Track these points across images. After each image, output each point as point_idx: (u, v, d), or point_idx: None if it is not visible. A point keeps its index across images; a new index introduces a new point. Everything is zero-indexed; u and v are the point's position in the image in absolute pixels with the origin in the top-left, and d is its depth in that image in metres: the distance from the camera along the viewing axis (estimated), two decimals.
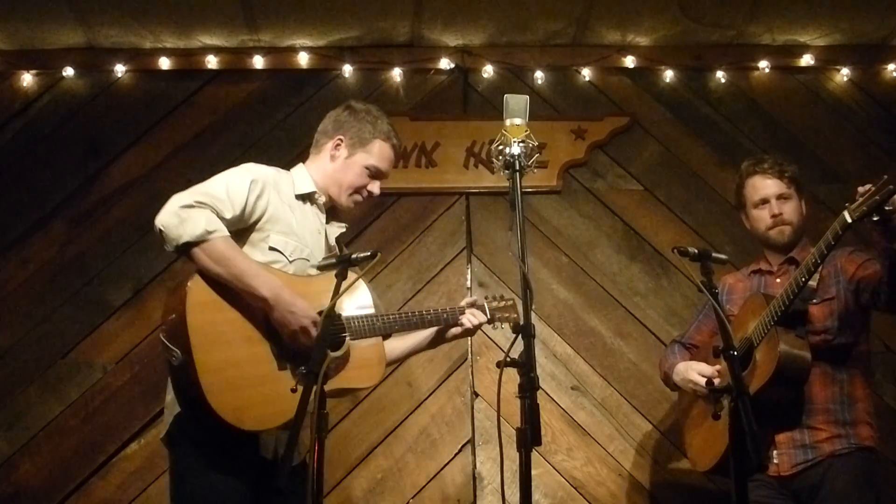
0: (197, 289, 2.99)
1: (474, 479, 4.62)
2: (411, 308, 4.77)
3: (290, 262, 3.21)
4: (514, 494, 2.34)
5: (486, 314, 3.53)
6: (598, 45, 5.15)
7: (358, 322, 3.21)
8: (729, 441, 2.65)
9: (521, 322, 2.51)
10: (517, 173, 2.68)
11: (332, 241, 3.45)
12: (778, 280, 3.76)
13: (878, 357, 4.52)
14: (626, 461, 4.67)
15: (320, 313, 3.06)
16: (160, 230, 2.99)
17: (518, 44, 5.15)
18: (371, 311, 3.30)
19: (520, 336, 2.47)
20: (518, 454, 2.36)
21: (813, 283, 3.45)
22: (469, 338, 4.68)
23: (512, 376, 2.45)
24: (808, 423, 3.52)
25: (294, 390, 2.66)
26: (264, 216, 3.19)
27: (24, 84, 5.05)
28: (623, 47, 5.16)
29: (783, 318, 3.44)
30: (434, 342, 3.56)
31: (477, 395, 4.73)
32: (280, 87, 5.11)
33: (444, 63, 5.13)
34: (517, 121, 2.73)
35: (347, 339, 3.16)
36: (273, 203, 3.22)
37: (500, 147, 2.72)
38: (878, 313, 3.65)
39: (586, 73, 5.15)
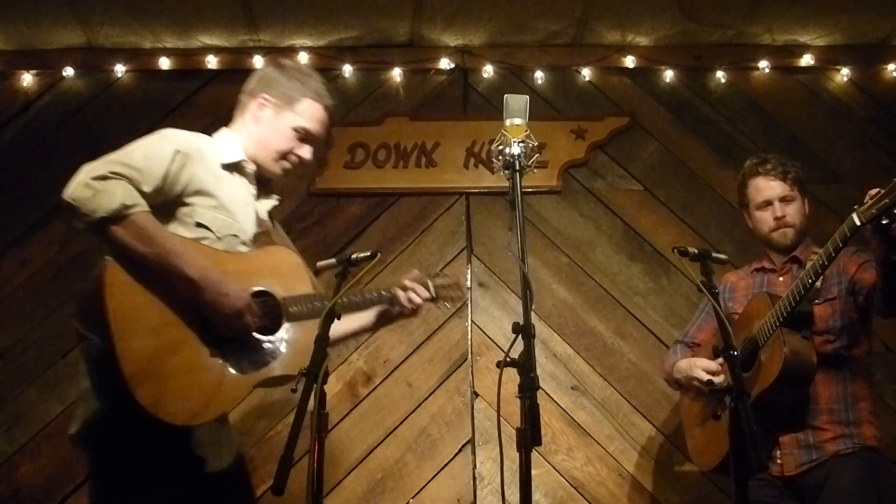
0: (114, 269, 2.69)
1: (474, 479, 4.62)
2: None
3: (219, 238, 2.95)
4: (514, 494, 2.33)
5: (430, 292, 3.35)
6: (598, 45, 5.16)
7: (295, 302, 2.99)
8: (729, 441, 2.65)
9: (522, 322, 2.50)
10: (517, 173, 2.67)
11: (264, 215, 3.19)
12: (781, 279, 3.76)
13: (878, 357, 4.51)
14: (626, 461, 4.67)
15: (258, 294, 2.91)
16: (70, 203, 2.69)
17: (518, 44, 5.15)
18: (308, 290, 3.08)
19: (520, 336, 2.47)
20: (518, 454, 2.36)
21: (817, 283, 3.45)
22: (466, 342, 4.69)
23: (512, 376, 2.44)
24: (813, 424, 3.52)
25: (294, 390, 2.61)
26: (188, 189, 2.91)
27: (25, 84, 5.05)
28: (623, 47, 5.16)
29: (789, 318, 3.44)
30: (378, 323, 3.37)
31: (477, 395, 4.73)
32: None
33: (444, 63, 5.13)
34: (517, 121, 2.72)
35: (284, 322, 2.95)
36: (199, 175, 2.93)
37: (500, 147, 2.71)
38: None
39: (586, 73, 5.15)
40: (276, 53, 5.07)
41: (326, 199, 4.98)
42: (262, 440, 4.64)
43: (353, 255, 2.89)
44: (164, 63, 5.05)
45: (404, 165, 5.00)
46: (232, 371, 2.82)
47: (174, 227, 2.87)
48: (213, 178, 2.97)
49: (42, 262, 4.82)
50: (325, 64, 5.11)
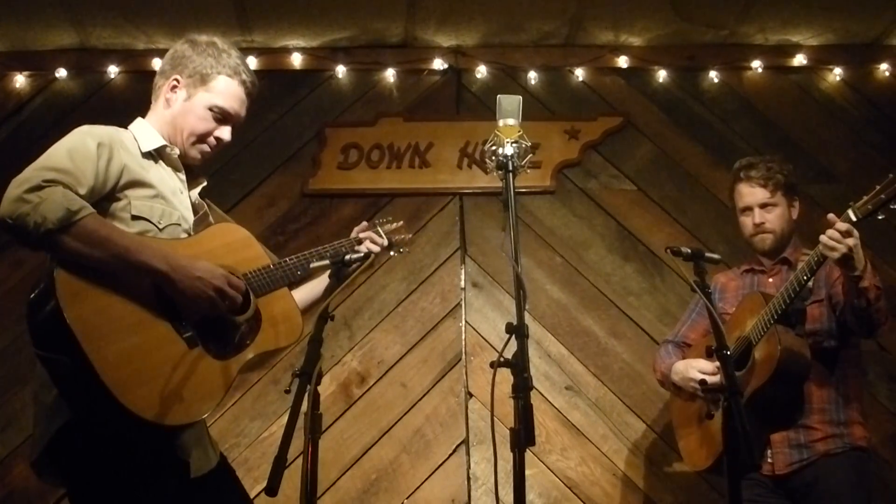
0: (64, 278, 2.49)
1: (468, 479, 4.62)
2: (406, 308, 4.82)
3: (161, 229, 2.76)
4: (508, 494, 2.33)
5: (382, 238, 3.25)
6: (591, 45, 5.16)
7: (257, 277, 2.86)
8: (722, 441, 2.65)
9: (516, 322, 2.50)
10: (510, 174, 2.66)
11: (196, 199, 3.00)
12: (770, 279, 3.78)
13: (871, 356, 4.53)
14: (620, 461, 4.67)
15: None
16: (8, 223, 2.46)
17: (511, 44, 5.15)
18: (265, 261, 2.94)
19: (513, 336, 2.47)
20: (512, 454, 2.36)
21: (810, 283, 3.46)
22: (458, 339, 4.69)
23: (506, 376, 2.44)
24: (804, 423, 3.53)
25: (288, 391, 2.57)
26: (121, 182, 2.70)
27: (17, 85, 5.05)
28: (616, 47, 5.17)
29: (783, 316, 3.45)
30: (335, 284, 3.06)
31: (471, 395, 4.73)
32: (273, 87, 5.10)
33: (438, 63, 5.13)
34: (510, 121, 2.71)
35: (252, 297, 2.81)
36: (128, 165, 2.73)
37: (493, 147, 2.70)
38: None
39: (579, 73, 5.16)
40: (270, 54, 5.08)
41: (320, 200, 4.98)
42: (256, 441, 4.64)
43: (347, 257, 2.88)
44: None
45: (398, 166, 5.00)
46: (214, 358, 2.69)
47: None
48: (141, 169, 2.79)
49: (35, 263, 4.79)
50: (319, 65, 5.13)
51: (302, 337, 2.96)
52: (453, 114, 5.13)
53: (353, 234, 3.26)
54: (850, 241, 3.20)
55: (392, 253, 3.34)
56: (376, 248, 3.21)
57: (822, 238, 3.24)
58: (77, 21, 4.83)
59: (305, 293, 3.18)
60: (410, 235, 3.45)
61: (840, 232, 3.20)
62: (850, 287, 3.34)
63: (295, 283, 3.10)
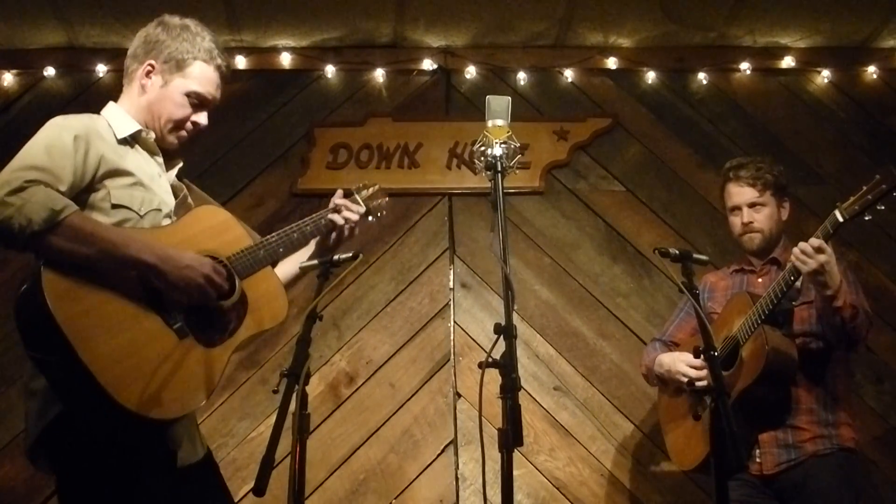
0: (52, 279, 2.47)
1: (457, 479, 4.62)
2: (394, 309, 4.81)
3: (142, 216, 2.74)
4: (496, 495, 2.33)
5: (360, 205, 3.23)
6: (580, 46, 5.17)
7: (241, 259, 2.85)
8: (709, 441, 2.66)
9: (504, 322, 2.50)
10: (499, 174, 2.66)
11: (174, 181, 2.98)
12: (760, 280, 3.79)
13: (858, 357, 4.54)
14: (607, 461, 4.68)
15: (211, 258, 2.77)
16: None
17: (501, 45, 5.16)
18: (247, 242, 2.92)
19: (502, 337, 2.47)
20: (500, 455, 2.36)
21: (798, 283, 3.48)
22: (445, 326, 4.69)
23: (494, 377, 2.44)
24: (792, 423, 3.54)
25: (276, 391, 2.57)
26: (99, 172, 2.68)
27: (5, 84, 5.03)
28: (605, 49, 5.18)
29: (770, 317, 3.46)
30: (321, 252, 3.17)
31: (459, 395, 4.73)
32: (262, 87, 5.10)
33: (427, 64, 5.14)
34: (499, 122, 2.71)
35: (237, 280, 2.80)
36: (106, 155, 2.71)
37: (482, 148, 2.71)
38: None
39: (569, 74, 5.16)
40: (259, 54, 5.08)
41: (309, 200, 4.95)
42: (244, 441, 4.63)
43: (336, 256, 2.88)
44: None
45: (387, 166, 4.99)
46: (205, 346, 2.69)
47: (88, 214, 2.64)
48: (117, 157, 2.76)
49: (21, 263, 4.78)
50: (308, 64, 5.12)
51: (288, 316, 2.97)
52: (442, 114, 5.13)
53: (331, 204, 3.23)
54: (822, 258, 3.23)
55: (370, 218, 3.30)
56: (354, 217, 3.18)
57: (794, 251, 3.28)
58: (65, 19, 4.82)
59: (289, 267, 3.16)
60: (387, 199, 3.40)
61: (812, 247, 3.23)
62: (824, 306, 3.37)
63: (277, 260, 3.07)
